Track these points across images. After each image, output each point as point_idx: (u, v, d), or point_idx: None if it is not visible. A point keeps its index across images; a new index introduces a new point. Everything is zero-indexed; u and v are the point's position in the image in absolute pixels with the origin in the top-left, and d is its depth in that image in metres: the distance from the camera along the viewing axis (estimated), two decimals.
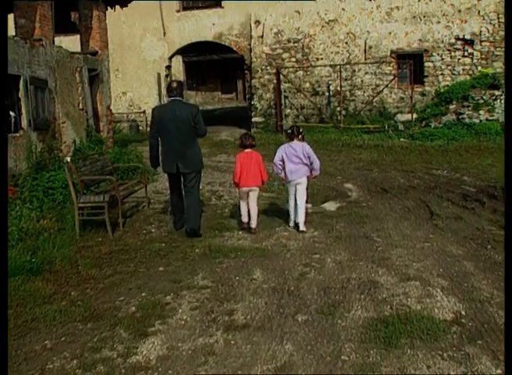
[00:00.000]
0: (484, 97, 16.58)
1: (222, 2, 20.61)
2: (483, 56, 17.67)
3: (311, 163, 7.06)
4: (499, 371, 3.52)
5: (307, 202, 7.42)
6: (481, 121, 16.32)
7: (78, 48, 14.17)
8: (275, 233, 6.99)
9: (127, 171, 10.58)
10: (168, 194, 7.57)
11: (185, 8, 21.44)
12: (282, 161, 7.12)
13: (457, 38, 17.90)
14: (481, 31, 17.65)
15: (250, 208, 7.11)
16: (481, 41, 17.68)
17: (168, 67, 22.45)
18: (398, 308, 4.50)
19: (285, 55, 19.66)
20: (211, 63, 34.52)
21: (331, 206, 8.48)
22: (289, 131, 7.27)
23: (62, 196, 8.37)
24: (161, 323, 4.42)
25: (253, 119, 20.17)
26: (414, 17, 18.24)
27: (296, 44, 19.52)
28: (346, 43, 18.99)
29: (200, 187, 7.64)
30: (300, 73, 19.52)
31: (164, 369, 3.73)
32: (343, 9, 18.88)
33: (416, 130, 16.80)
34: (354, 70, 18.94)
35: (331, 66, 19.02)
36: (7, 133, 8.98)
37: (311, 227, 7.18)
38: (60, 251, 6.18)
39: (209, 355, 3.87)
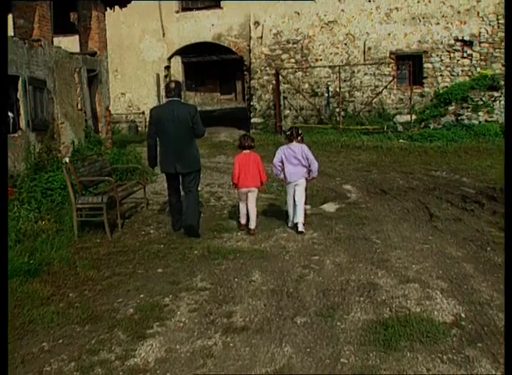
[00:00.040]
0: (483, 98, 16.58)
1: (222, 3, 20.60)
2: (482, 57, 17.68)
3: (309, 165, 7.06)
4: (499, 374, 3.50)
5: (306, 203, 7.42)
6: (480, 122, 16.32)
7: (77, 49, 14.15)
8: (274, 235, 6.97)
9: (126, 172, 10.55)
10: (167, 195, 7.55)
11: (184, 9, 21.43)
12: (282, 162, 7.12)
13: (456, 39, 17.90)
14: (480, 32, 17.65)
15: (249, 209, 7.09)
16: (480, 43, 17.68)
17: (168, 68, 22.44)
18: (397, 311, 4.48)
19: (284, 56, 19.65)
20: (210, 64, 34.54)
21: (330, 207, 8.46)
22: (289, 133, 7.27)
23: (61, 197, 8.33)
24: (159, 325, 4.39)
25: (252, 120, 20.15)
26: (413, 18, 18.24)
27: (295, 45, 19.51)
28: (346, 44, 18.98)
29: (199, 188, 7.63)
30: (300, 73, 19.51)
31: (162, 371, 3.70)
32: (343, 10, 18.87)
33: (415, 131, 16.79)
34: (353, 71, 18.94)
35: (330, 66, 19.01)
36: (6, 134, 8.95)
37: (310, 229, 7.16)
38: (58, 253, 6.15)
39: (208, 358, 3.85)
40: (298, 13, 19.31)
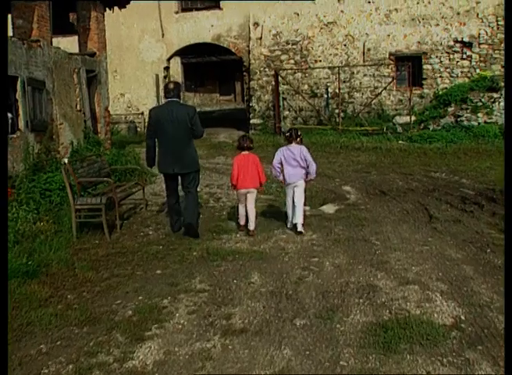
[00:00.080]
0: (482, 99, 16.58)
1: (221, 4, 20.58)
2: (482, 59, 17.67)
3: (307, 166, 7.06)
4: None
5: (305, 205, 7.42)
6: (479, 124, 16.31)
7: (76, 49, 14.12)
8: (273, 236, 6.95)
9: (125, 173, 10.53)
10: (165, 196, 7.55)
11: (183, 10, 21.41)
12: (281, 164, 7.12)
13: (456, 41, 17.89)
14: (479, 34, 17.65)
15: (248, 211, 7.09)
16: (479, 44, 17.68)
17: (167, 68, 22.42)
18: (397, 313, 4.47)
19: (283, 57, 19.64)
20: (209, 65, 34.48)
21: (329, 209, 8.45)
22: (288, 134, 7.26)
23: (59, 198, 8.31)
24: (158, 327, 4.37)
25: (251, 121, 20.14)
26: (412, 19, 18.23)
27: (294, 46, 19.49)
28: (345, 45, 18.97)
29: (198, 189, 7.62)
30: (299, 74, 19.50)
31: (161, 374, 3.68)
32: (342, 11, 18.87)
33: (414, 132, 16.79)
34: (353, 72, 18.93)
35: (329, 68, 19.00)
36: (6, 135, 8.93)
37: (310, 230, 7.14)
38: (57, 254, 6.13)
39: (206, 360, 3.83)
40: (297, 14, 19.30)
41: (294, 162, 7.05)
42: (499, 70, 17.14)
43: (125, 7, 15.67)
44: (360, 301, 4.77)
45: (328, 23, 19.05)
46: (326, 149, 15.29)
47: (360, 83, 18.89)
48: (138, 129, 21.75)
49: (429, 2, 18.00)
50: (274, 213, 8.03)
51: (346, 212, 8.17)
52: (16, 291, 5.10)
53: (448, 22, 17.91)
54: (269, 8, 19.51)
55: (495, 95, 16.50)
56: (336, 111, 18.73)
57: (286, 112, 19.64)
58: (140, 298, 5.02)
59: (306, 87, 19.42)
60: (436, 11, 17.98)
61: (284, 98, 19.51)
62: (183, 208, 7.22)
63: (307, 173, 7.13)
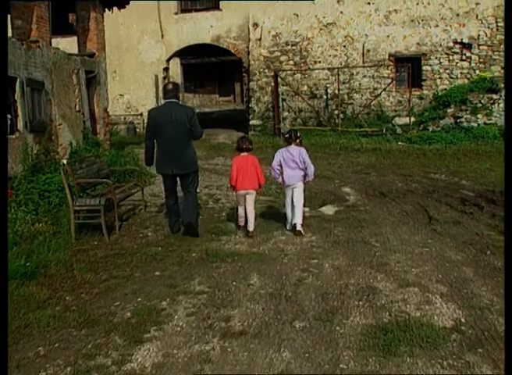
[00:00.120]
0: (482, 101, 16.57)
1: (221, 5, 20.57)
2: (481, 60, 17.67)
3: (306, 168, 7.05)
4: None
5: (304, 206, 7.41)
6: (479, 125, 16.30)
7: (75, 50, 14.10)
8: (272, 238, 6.93)
9: (124, 174, 10.51)
10: (164, 197, 7.54)
11: (183, 11, 21.39)
12: (280, 165, 7.11)
13: (455, 42, 17.89)
14: (479, 35, 17.65)
15: (248, 212, 7.08)
16: (479, 45, 17.68)
17: (166, 69, 22.40)
18: (397, 315, 4.45)
19: (283, 58, 19.63)
20: (209, 66, 34.52)
21: (329, 210, 8.43)
22: (287, 135, 7.26)
23: (58, 199, 8.29)
24: (156, 330, 4.35)
25: (250, 122, 20.13)
26: (412, 21, 18.23)
27: (294, 47, 19.49)
28: (344, 46, 18.97)
29: (198, 190, 7.61)
30: (298, 75, 19.49)
31: None
32: (341, 12, 18.86)
33: (414, 133, 16.78)
34: (352, 73, 18.92)
35: (329, 69, 18.99)
36: (6, 136, 8.91)
37: (309, 231, 7.12)
38: (55, 255, 6.10)
39: (205, 363, 3.80)
40: (297, 15, 19.30)
41: (293, 164, 7.04)
42: (498, 71, 17.14)
43: (124, 8, 15.66)
44: (360, 303, 4.75)
45: (327, 24, 19.04)
46: (326, 150, 15.27)
47: (360, 84, 18.88)
48: (137, 130, 21.72)
49: (429, 3, 18.01)
50: (273, 214, 8.01)
51: (346, 213, 8.16)
52: (14, 292, 5.08)
53: (447, 23, 17.91)
54: (269, 9, 19.50)
55: (494, 96, 16.50)
56: (336, 112, 18.72)
57: (286, 113, 19.63)
58: (139, 299, 4.99)
59: (305, 88, 19.41)
60: (436, 12, 17.98)
61: (283, 99, 19.50)
62: (182, 208, 7.22)
63: (305, 175, 7.13)
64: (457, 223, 7.32)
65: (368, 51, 18.70)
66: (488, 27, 17.58)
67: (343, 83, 18.77)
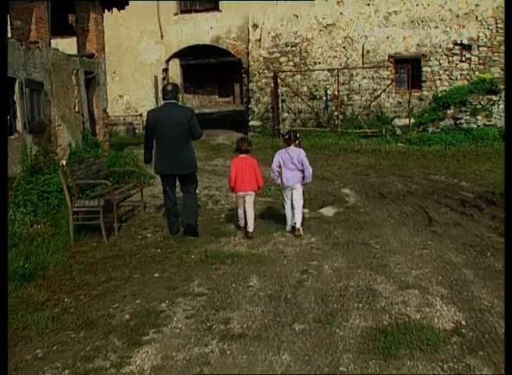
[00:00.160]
0: (481, 102, 16.56)
1: (220, 6, 20.54)
2: (481, 61, 17.66)
3: (303, 170, 7.04)
4: None
5: (304, 207, 7.42)
6: (478, 126, 16.28)
7: (75, 51, 14.08)
8: (272, 239, 6.91)
9: (123, 175, 10.49)
10: (163, 198, 7.53)
11: (183, 12, 21.37)
12: (280, 167, 7.10)
13: (455, 43, 17.88)
14: (478, 36, 17.64)
15: (247, 212, 7.08)
16: (478, 46, 17.66)
17: (166, 70, 22.38)
18: (397, 318, 4.42)
19: (282, 59, 19.61)
20: (208, 67, 34.51)
21: (328, 212, 8.41)
22: (287, 136, 7.26)
23: (57, 200, 8.27)
24: (155, 332, 4.33)
25: (250, 123, 20.10)
26: (411, 22, 18.22)
27: (293, 48, 19.47)
28: (344, 47, 18.95)
29: (197, 191, 7.60)
30: (298, 77, 19.47)
31: None
32: (341, 14, 18.85)
33: (413, 134, 16.76)
34: (352, 75, 18.90)
35: (328, 70, 18.98)
36: (6, 136, 8.88)
37: (309, 233, 7.10)
38: (54, 257, 6.08)
39: (204, 366, 3.78)
40: (297, 16, 19.28)
41: (292, 166, 7.04)
42: (498, 73, 17.12)
43: (124, 8, 15.62)
44: (360, 305, 4.73)
45: (327, 25, 19.03)
46: (325, 151, 15.25)
47: (360, 85, 18.87)
48: (137, 130, 21.69)
49: (428, 5, 17.99)
50: (273, 216, 7.99)
51: (346, 214, 8.14)
52: (12, 294, 5.05)
53: (447, 24, 17.91)
54: (268, 10, 19.49)
55: (494, 98, 16.48)
56: (335, 113, 18.70)
57: (285, 114, 19.61)
58: (138, 301, 4.97)
59: (305, 89, 19.40)
60: (435, 13, 17.97)
61: (283, 100, 19.48)
62: (181, 209, 7.22)
63: (303, 177, 7.13)
64: (457, 225, 7.30)
65: (368, 52, 18.69)
66: (488, 29, 17.57)
67: (343, 84, 18.76)
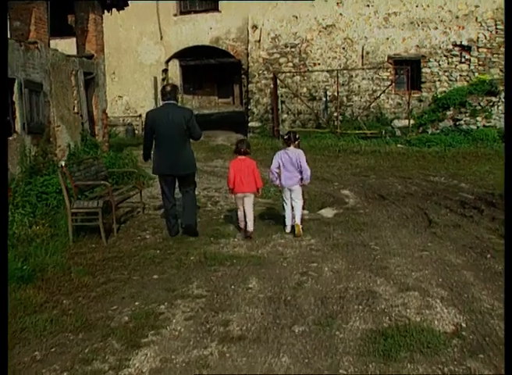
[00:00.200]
0: (481, 103, 16.55)
1: (220, 7, 20.54)
2: (480, 62, 17.66)
3: (302, 172, 7.04)
4: None
5: (303, 208, 7.42)
6: (478, 127, 16.27)
7: (74, 51, 14.07)
8: (271, 241, 6.89)
9: (122, 176, 10.47)
10: (162, 199, 7.51)
11: (182, 12, 21.37)
12: (279, 168, 7.09)
13: (455, 44, 17.88)
14: (478, 38, 17.64)
15: (246, 214, 7.08)
16: (478, 48, 17.66)
17: (165, 71, 22.37)
18: (397, 320, 4.40)
19: (282, 60, 19.60)
20: (208, 67, 34.45)
21: (328, 213, 8.39)
22: (286, 137, 7.26)
23: (56, 201, 8.24)
24: (154, 334, 4.31)
25: (249, 124, 20.09)
26: (411, 23, 18.22)
27: (293, 49, 19.46)
28: (344, 48, 18.95)
29: (196, 192, 7.58)
30: (297, 78, 19.46)
31: None
32: (341, 15, 18.84)
33: (413, 136, 16.75)
34: (351, 76, 18.90)
35: (328, 71, 18.97)
36: (6, 137, 8.86)
37: (308, 234, 7.08)
38: (52, 258, 6.05)
39: (203, 368, 3.76)
40: (296, 17, 19.28)
41: (291, 167, 7.05)
42: (497, 74, 17.13)
43: (123, 9, 15.62)
44: (360, 307, 4.71)
45: (326, 26, 19.02)
46: (325, 153, 15.24)
47: (359, 86, 18.86)
48: (136, 131, 21.68)
49: (428, 6, 18.00)
50: (272, 217, 7.97)
51: (345, 216, 8.12)
52: (10, 296, 5.02)
53: (447, 25, 17.90)
54: (268, 10, 19.48)
55: (493, 99, 16.47)
56: (335, 114, 18.69)
57: (285, 116, 19.59)
58: (137, 303, 4.95)
59: (304, 90, 19.39)
60: (435, 14, 17.97)
61: (283, 101, 19.47)
62: (181, 210, 7.21)
63: (301, 179, 7.13)
64: (457, 227, 7.28)
65: (368, 53, 18.69)
66: (488, 30, 17.56)
67: (342, 85, 18.75)
